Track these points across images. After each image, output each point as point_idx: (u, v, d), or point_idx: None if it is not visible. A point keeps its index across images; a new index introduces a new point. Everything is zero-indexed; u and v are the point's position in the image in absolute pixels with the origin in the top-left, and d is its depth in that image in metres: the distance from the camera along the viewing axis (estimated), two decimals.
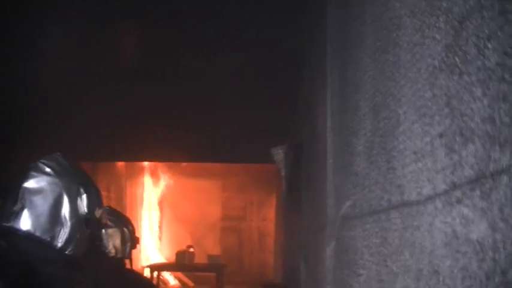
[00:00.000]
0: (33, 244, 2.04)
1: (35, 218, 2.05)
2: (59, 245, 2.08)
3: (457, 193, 0.76)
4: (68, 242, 2.09)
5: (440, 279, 0.84)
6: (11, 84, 4.90)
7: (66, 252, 2.09)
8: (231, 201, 13.94)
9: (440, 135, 0.85)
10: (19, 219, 2.05)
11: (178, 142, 7.12)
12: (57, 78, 5.16)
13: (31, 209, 2.05)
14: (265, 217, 13.53)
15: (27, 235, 2.04)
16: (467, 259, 0.73)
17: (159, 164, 13.13)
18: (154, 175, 13.73)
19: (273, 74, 5.55)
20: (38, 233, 2.04)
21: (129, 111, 6.49)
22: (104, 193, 9.71)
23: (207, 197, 13.74)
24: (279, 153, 4.26)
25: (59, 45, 4.86)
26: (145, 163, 12.82)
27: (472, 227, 0.71)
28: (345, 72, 1.85)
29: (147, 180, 13.59)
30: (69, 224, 2.09)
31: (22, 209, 2.05)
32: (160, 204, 14.10)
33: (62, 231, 2.08)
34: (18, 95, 5.11)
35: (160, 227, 14.09)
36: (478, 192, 0.69)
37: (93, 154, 6.62)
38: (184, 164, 12.77)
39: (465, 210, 0.73)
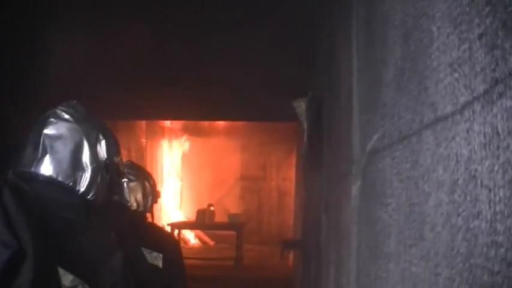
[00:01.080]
0: (55, 189, 2.04)
1: (56, 163, 2.04)
2: (81, 189, 2.08)
3: (499, 88, 0.75)
4: (89, 187, 2.09)
5: (478, 182, 0.83)
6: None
7: (88, 197, 2.09)
8: (251, 161, 14.00)
9: (480, 36, 0.83)
10: (41, 165, 2.05)
11: (198, 100, 7.11)
12: (74, 34, 5.14)
13: (52, 155, 2.04)
14: (285, 177, 13.59)
15: (49, 180, 2.03)
16: (509, 152, 0.71)
17: (180, 124, 13.17)
18: (175, 134, 13.79)
19: (292, 28, 5.48)
20: (60, 178, 2.04)
21: (147, 69, 6.46)
22: (124, 152, 9.82)
23: (227, 156, 13.80)
24: (300, 106, 4.23)
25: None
26: (166, 123, 12.87)
27: None
28: (372, 5, 1.82)
29: (168, 139, 13.66)
30: (90, 169, 2.08)
31: (44, 155, 2.05)
32: (181, 163, 14.19)
33: (83, 176, 2.07)
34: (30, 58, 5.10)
35: (181, 186, 14.21)
36: None
37: (111, 111, 6.60)
38: (204, 123, 12.81)
39: (508, 103, 0.72)
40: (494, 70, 0.77)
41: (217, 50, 6.17)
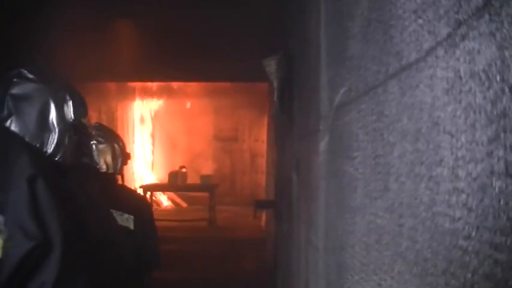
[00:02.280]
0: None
1: (23, 124, 1.99)
2: (49, 151, 2.04)
3: (462, 30, 0.73)
4: (57, 148, 2.04)
5: (441, 129, 0.81)
6: None
7: (56, 158, 2.05)
8: (223, 122, 13.97)
9: None
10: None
11: (169, 62, 7.03)
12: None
13: (18, 116, 2.00)
14: (257, 138, 13.61)
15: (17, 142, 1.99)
16: (471, 95, 0.70)
17: (151, 85, 13.03)
18: (146, 96, 13.66)
19: None
20: (27, 140, 2.00)
21: (117, 30, 6.34)
22: (94, 114, 9.70)
23: (199, 118, 13.75)
24: (270, 64, 4.18)
25: None
26: (137, 84, 12.73)
27: (477, 59, 0.67)
28: None
29: (138, 101, 13.54)
30: (57, 130, 2.04)
31: (9, 116, 2.00)
32: (152, 125, 14.11)
33: (50, 137, 2.03)
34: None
35: (152, 148, 14.15)
36: (486, 16, 0.65)
37: (81, 73, 6.49)
38: (176, 84, 12.69)
39: (470, 44, 0.70)
40: (457, 12, 0.75)
41: (188, 10, 6.07)
